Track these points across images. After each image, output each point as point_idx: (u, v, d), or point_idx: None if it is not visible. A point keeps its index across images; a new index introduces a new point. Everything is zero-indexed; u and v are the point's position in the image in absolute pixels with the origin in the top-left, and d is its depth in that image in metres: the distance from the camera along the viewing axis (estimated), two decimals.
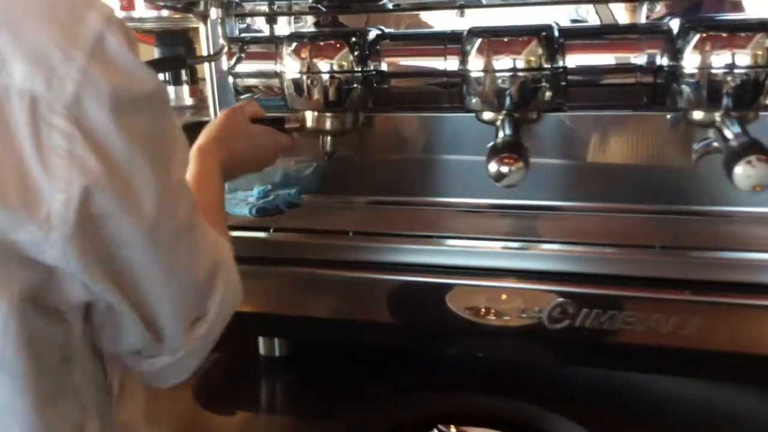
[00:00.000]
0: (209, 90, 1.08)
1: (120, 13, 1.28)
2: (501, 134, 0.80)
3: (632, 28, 0.89)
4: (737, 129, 0.74)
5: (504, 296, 0.87)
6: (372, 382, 0.99)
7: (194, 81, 1.38)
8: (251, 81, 1.04)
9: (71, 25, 0.44)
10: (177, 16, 1.26)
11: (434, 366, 1.01)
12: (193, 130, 0.81)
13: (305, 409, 0.96)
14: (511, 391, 0.91)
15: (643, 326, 0.80)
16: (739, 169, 0.67)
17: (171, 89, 1.40)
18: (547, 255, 0.86)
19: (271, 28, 1.09)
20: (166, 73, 1.37)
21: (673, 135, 0.95)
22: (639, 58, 0.87)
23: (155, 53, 1.35)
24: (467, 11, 0.97)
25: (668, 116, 0.94)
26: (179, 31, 1.32)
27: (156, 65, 0.93)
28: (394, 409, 0.89)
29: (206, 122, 0.88)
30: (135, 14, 1.27)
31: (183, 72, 1.39)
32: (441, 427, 0.82)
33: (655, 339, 0.80)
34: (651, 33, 0.87)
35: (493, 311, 0.88)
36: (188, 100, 1.40)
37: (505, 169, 0.73)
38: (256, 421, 0.99)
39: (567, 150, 1.01)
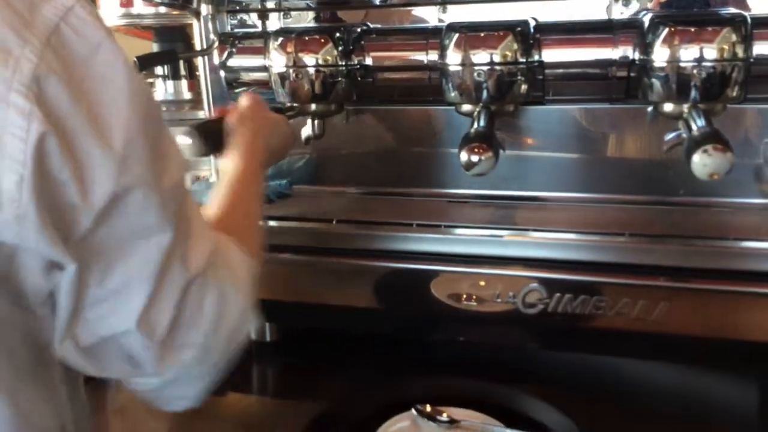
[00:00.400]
0: (203, 84, 1.11)
1: (119, 10, 1.32)
2: (475, 125, 0.83)
3: (607, 24, 0.92)
4: (701, 121, 0.77)
5: (482, 283, 0.90)
6: (357, 367, 1.03)
7: (192, 76, 1.41)
8: (242, 75, 1.08)
9: (27, 15, 0.44)
10: (174, 12, 1.30)
11: (418, 351, 1.04)
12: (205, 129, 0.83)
13: (292, 391, 1.00)
14: (490, 375, 0.94)
15: (612, 311, 0.83)
16: (696, 158, 0.70)
17: (170, 83, 1.44)
18: (523, 242, 0.89)
19: (263, 24, 1.12)
20: (165, 68, 1.41)
21: (651, 127, 0.98)
22: (613, 53, 0.90)
23: (154, 48, 1.39)
24: (459, 8, 0.99)
25: (648, 109, 0.96)
26: (177, 27, 1.35)
27: (148, 60, 0.96)
28: (374, 392, 0.92)
29: (211, 120, 0.90)
30: (133, 11, 1.31)
31: (181, 67, 1.42)
32: (418, 406, 0.85)
33: (624, 323, 0.84)
34: (625, 28, 0.90)
35: (474, 297, 0.92)
36: (186, 94, 1.43)
37: (474, 158, 0.76)
38: (247, 401, 1.03)
39: (549, 142, 1.03)
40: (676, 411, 0.89)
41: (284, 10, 1.07)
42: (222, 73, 1.08)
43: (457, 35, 0.87)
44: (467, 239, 0.91)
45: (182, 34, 1.37)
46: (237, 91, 1.08)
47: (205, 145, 0.81)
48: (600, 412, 0.87)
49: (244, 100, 0.85)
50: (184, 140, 0.80)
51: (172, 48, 1.32)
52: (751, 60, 0.82)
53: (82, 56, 0.45)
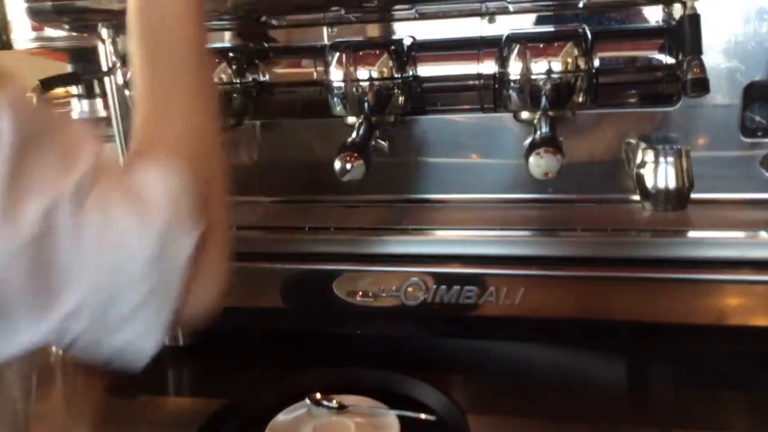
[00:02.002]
0: (110, 103, 1.17)
1: (31, 33, 1.37)
2: (354, 135, 0.91)
3: (474, 41, 1.02)
4: (546, 128, 0.87)
5: (370, 279, 0.99)
6: (262, 363, 1.10)
7: (106, 95, 1.46)
8: None
9: None
10: (86, 35, 1.35)
11: (318, 346, 1.11)
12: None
13: (201, 390, 1.06)
14: (382, 364, 1.02)
15: (482, 299, 0.93)
16: (531, 159, 0.80)
17: (85, 102, 1.49)
18: (404, 241, 0.99)
19: None
20: (79, 87, 1.46)
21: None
22: (479, 67, 1.00)
23: (68, 69, 1.43)
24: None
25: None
26: (90, 49, 1.40)
27: (51, 81, 1.02)
28: (275, 385, 0.99)
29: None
30: (45, 34, 1.35)
31: (96, 86, 1.47)
32: (310, 395, 0.93)
33: (493, 309, 0.93)
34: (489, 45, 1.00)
35: (364, 293, 1.00)
36: (102, 112, 1.48)
37: (348, 165, 0.85)
38: (159, 402, 1.08)
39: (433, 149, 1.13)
40: (548, 389, 0.98)
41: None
42: (126, 92, 1.14)
43: (517, 45, 0.92)
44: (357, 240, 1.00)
45: (95, 55, 1.42)
46: None
47: None
48: (478, 391, 0.96)
49: None
50: None
51: (86, 69, 1.37)
52: (594, 70, 0.93)
53: None
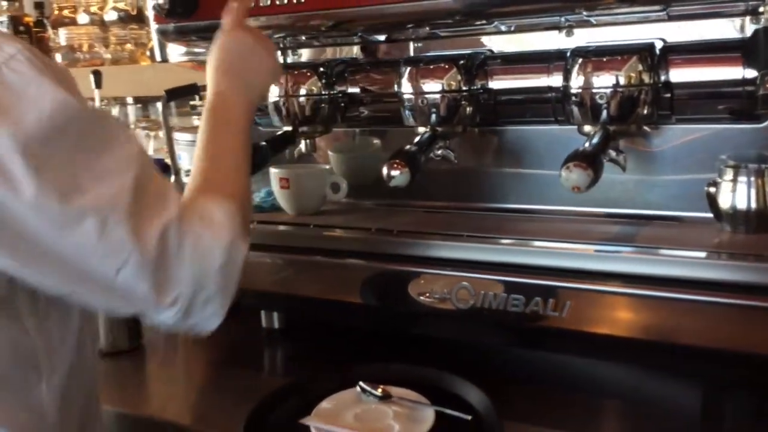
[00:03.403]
0: None
1: (182, 48, 1.59)
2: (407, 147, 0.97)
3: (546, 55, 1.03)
4: (595, 140, 0.87)
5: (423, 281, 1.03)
6: (339, 352, 1.19)
7: None
8: None
9: None
10: None
11: (382, 341, 1.18)
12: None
13: (280, 367, 1.18)
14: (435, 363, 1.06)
15: (528, 309, 0.94)
16: (562, 173, 0.80)
17: None
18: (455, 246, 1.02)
19: (284, 59, 1.32)
20: None
21: None
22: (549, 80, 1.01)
23: None
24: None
25: None
26: None
27: (174, 92, 1.19)
28: (336, 372, 1.07)
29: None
30: (193, 49, 1.57)
31: None
32: (361, 383, 1.00)
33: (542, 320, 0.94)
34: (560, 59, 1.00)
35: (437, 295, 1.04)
36: None
37: (394, 172, 0.91)
38: (256, 378, 1.21)
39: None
40: (582, 399, 0.98)
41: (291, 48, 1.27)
42: None
43: (580, 59, 0.94)
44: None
45: None
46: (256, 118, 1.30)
47: None
48: (526, 401, 0.98)
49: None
50: None
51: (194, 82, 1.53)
52: (660, 84, 0.91)
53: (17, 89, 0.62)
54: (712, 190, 0.93)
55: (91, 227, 0.64)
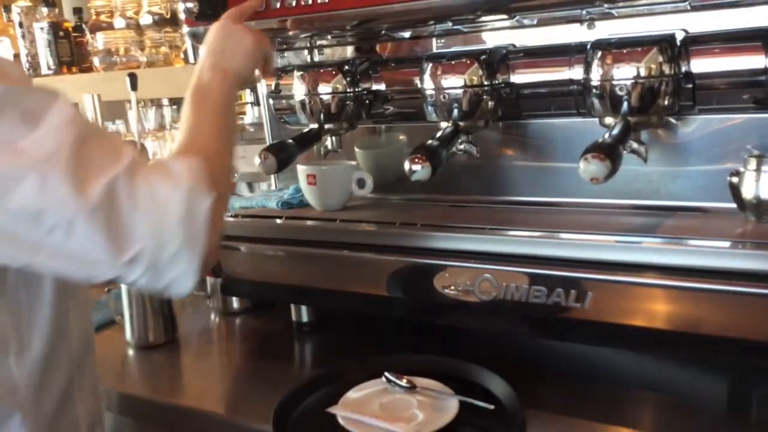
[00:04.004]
0: (262, 110, 1.39)
1: None
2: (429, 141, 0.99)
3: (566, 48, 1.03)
4: (615, 131, 0.87)
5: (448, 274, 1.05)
6: (366, 344, 1.22)
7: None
8: (283, 102, 1.31)
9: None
10: None
11: (409, 332, 1.21)
12: None
13: (316, 361, 1.20)
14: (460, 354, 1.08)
15: (550, 299, 0.95)
16: (581, 164, 0.81)
17: (255, 109, 1.72)
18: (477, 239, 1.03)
19: (311, 58, 1.35)
20: (252, 96, 1.69)
21: None
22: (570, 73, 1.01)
23: None
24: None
25: None
26: None
27: None
28: (365, 363, 1.09)
29: None
30: None
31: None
32: (387, 374, 1.02)
33: (563, 311, 0.95)
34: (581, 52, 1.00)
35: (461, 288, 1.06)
36: None
37: (416, 167, 0.93)
38: (286, 370, 1.24)
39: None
40: (605, 390, 0.98)
41: (317, 47, 1.29)
42: (271, 101, 1.33)
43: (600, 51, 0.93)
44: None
45: None
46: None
47: None
48: (538, 384, 0.99)
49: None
50: None
51: None
52: (681, 75, 0.91)
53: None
54: (735, 180, 0.92)
55: (31, 185, 0.64)
